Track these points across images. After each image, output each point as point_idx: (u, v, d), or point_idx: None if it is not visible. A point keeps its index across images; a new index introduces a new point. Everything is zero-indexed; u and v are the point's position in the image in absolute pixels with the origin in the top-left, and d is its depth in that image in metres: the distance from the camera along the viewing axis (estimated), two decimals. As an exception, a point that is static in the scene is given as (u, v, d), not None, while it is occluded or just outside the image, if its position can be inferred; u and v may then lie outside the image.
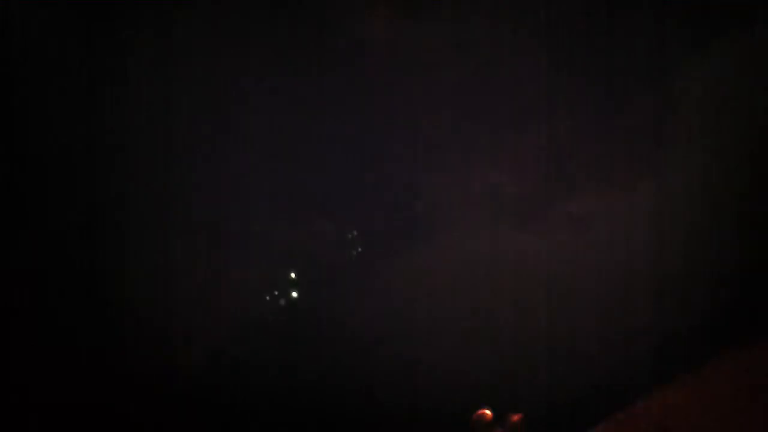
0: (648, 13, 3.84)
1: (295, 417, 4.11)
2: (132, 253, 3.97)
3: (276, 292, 4.19)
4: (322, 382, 4.18)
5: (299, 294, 4.23)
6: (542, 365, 3.98)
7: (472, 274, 4.00)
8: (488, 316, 4.04)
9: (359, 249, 4.20)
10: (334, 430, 4.08)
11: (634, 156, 3.97)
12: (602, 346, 3.88)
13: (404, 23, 3.86)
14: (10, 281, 3.85)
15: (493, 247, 3.93)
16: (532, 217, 3.89)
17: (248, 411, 4.08)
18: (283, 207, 4.15)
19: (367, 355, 4.12)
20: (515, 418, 4.06)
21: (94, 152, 3.94)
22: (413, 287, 4.10)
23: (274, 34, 3.89)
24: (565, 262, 4.01)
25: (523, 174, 3.91)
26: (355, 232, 4.23)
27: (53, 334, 3.90)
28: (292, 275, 4.21)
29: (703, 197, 3.81)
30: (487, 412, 4.10)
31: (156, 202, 3.94)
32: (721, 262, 3.75)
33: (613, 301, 3.96)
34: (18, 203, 3.83)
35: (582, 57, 3.84)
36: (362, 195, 4.17)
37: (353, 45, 3.96)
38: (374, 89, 3.98)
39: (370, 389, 4.15)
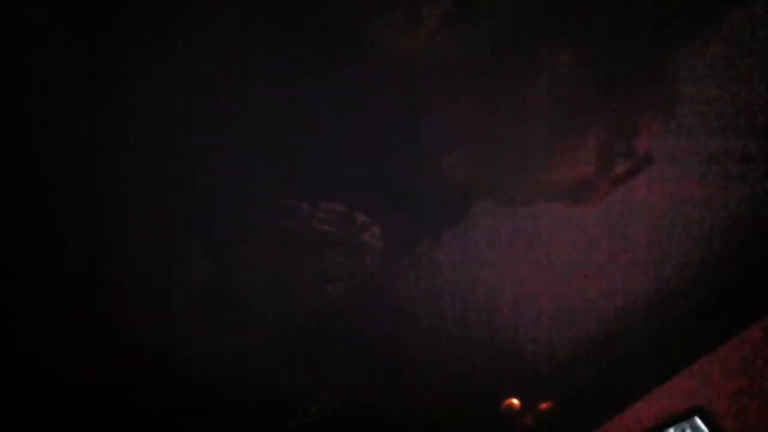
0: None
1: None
2: (132, 253, 3.88)
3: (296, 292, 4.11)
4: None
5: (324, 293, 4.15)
6: (567, 344, 3.94)
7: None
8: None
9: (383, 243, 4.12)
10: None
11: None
12: (630, 319, 3.84)
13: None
14: (10, 280, 3.77)
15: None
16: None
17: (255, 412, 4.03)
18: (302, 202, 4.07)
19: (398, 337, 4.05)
20: (544, 406, 4.01)
21: (94, 152, 3.84)
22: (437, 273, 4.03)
23: (275, 32, 3.83)
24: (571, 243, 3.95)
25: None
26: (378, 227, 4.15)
27: (53, 334, 3.82)
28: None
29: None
30: (515, 401, 4.05)
31: (158, 202, 3.85)
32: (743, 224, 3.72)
33: (630, 278, 3.92)
34: (17, 203, 3.73)
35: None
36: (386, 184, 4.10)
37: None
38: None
39: (398, 371, 4.08)
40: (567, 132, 4.11)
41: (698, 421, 3.59)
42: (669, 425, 3.59)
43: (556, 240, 4.01)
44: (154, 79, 3.99)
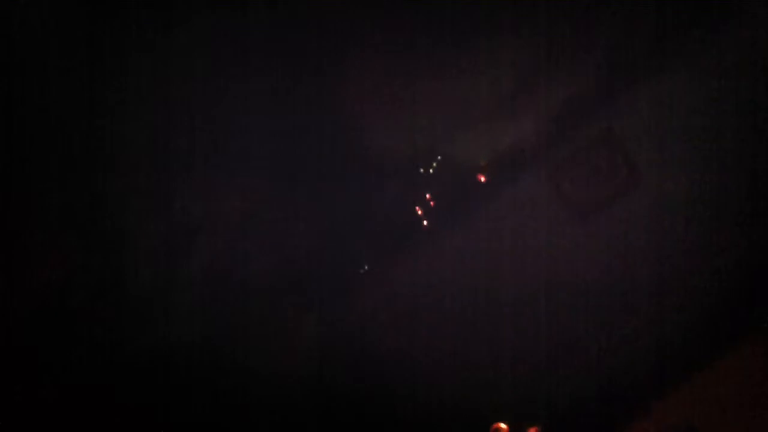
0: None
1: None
2: (132, 253, 3.82)
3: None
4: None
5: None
6: (556, 366, 3.83)
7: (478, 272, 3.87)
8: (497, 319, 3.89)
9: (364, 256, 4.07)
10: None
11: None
12: (620, 341, 3.76)
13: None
14: (10, 280, 3.71)
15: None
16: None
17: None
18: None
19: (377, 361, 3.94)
20: (532, 430, 3.87)
21: (94, 152, 3.83)
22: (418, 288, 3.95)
23: (274, 34, 3.88)
24: (569, 257, 3.89)
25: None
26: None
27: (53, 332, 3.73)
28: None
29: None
30: (503, 425, 3.90)
31: (157, 202, 3.82)
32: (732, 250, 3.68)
33: (625, 296, 3.85)
34: (18, 203, 3.71)
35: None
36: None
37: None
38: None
39: (381, 397, 3.95)
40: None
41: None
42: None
43: (555, 255, 3.94)
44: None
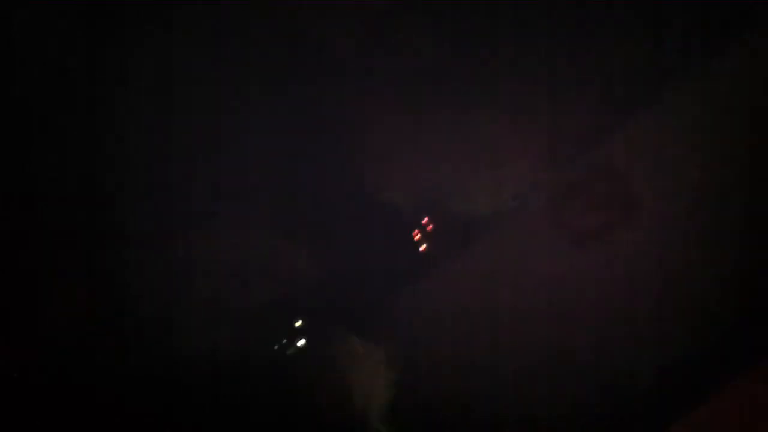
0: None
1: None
2: (132, 253, 3.83)
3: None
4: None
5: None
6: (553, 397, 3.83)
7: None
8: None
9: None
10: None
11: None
12: (619, 372, 3.75)
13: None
14: (11, 278, 3.75)
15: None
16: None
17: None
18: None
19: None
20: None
21: (95, 152, 3.81)
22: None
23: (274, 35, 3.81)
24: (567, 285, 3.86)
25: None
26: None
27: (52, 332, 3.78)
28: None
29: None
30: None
31: (156, 202, 3.82)
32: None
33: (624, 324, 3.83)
34: (19, 203, 3.72)
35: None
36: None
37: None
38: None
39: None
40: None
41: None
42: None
43: (553, 283, 3.91)
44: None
